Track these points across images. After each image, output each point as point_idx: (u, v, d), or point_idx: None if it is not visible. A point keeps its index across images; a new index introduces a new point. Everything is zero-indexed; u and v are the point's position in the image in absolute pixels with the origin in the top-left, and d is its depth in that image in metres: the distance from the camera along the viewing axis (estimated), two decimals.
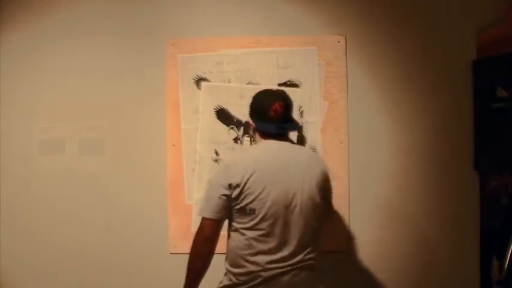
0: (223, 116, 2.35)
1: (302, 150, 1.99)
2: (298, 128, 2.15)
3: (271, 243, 1.71)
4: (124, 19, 2.38)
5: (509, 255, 2.51)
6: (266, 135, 1.84)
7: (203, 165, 2.34)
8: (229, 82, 2.35)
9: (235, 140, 2.34)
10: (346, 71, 2.33)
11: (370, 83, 2.34)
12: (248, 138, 2.34)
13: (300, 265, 1.73)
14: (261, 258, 1.71)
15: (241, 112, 2.33)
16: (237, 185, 1.71)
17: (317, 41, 2.34)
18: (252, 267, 1.71)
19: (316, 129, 2.33)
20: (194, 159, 2.34)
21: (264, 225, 1.71)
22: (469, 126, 2.32)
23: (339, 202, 2.31)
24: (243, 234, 1.73)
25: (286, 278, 1.71)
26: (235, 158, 1.86)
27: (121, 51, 2.38)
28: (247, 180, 1.71)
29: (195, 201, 2.31)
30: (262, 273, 1.70)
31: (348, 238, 2.31)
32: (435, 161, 2.33)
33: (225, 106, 2.35)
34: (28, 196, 2.38)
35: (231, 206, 1.74)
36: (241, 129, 2.34)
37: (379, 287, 2.31)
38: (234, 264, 1.74)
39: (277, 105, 1.82)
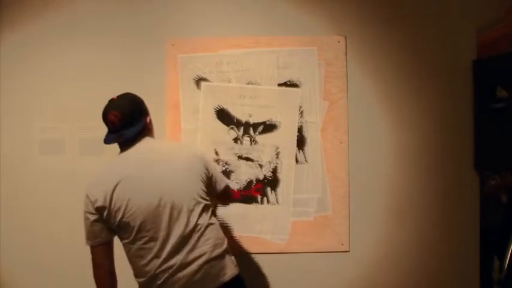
0: (223, 116, 2.35)
1: (163, 149, 1.87)
2: (147, 133, 1.88)
3: (157, 247, 1.72)
4: (124, 19, 2.38)
5: (509, 255, 2.51)
6: (120, 147, 1.86)
7: None
8: (229, 82, 2.35)
9: (235, 140, 2.34)
10: (346, 71, 2.33)
11: (370, 83, 2.34)
12: (248, 138, 2.34)
13: (191, 262, 1.72)
14: (155, 263, 1.72)
15: (241, 112, 2.33)
16: (103, 207, 1.72)
17: (317, 41, 2.34)
18: (151, 273, 1.72)
19: (316, 129, 2.33)
20: None
21: (143, 233, 1.72)
22: (469, 126, 2.32)
23: (339, 202, 2.31)
24: (130, 247, 1.77)
25: (183, 274, 1.70)
26: (94, 180, 1.81)
27: (121, 51, 2.38)
28: (111, 199, 1.71)
29: None
30: (161, 275, 1.71)
31: (348, 238, 2.31)
32: (435, 161, 2.33)
33: (225, 106, 2.35)
34: (28, 196, 2.38)
35: (109, 225, 1.75)
36: (241, 129, 2.34)
37: (379, 286, 2.31)
38: (139, 275, 1.77)
39: (110, 117, 1.80)
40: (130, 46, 2.38)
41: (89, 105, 2.38)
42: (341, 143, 2.33)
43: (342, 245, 2.32)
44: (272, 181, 2.33)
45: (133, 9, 2.38)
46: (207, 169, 1.86)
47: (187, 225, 1.73)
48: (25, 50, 2.40)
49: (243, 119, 2.34)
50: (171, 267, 1.70)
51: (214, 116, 2.35)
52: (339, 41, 2.34)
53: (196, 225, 1.75)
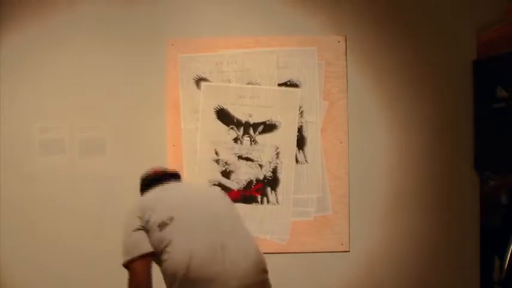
0: (223, 116, 2.35)
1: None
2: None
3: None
4: (124, 19, 2.38)
5: (509, 255, 2.51)
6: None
7: (203, 165, 2.34)
8: (229, 82, 2.35)
9: (235, 140, 2.34)
10: (346, 71, 2.33)
11: (370, 83, 2.34)
12: (248, 138, 2.34)
13: None
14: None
15: (241, 112, 2.33)
16: (148, 222, 1.63)
17: (317, 41, 2.34)
18: None
19: (316, 129, 2.33)
20: (194, 159, 2.34)
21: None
22: (469, 126, 2.32)
23: (339, 202, 2.31)
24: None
25: None
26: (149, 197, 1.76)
27: (121, 51, 2.38)
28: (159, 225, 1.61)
29: None
30: None
31: (348, 238, 2.31)
32: (435, 161, 2.33)
33: (225, 106, 2.35)
34: (28, 196, 2.38)
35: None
36: (241, 129, 2.34)
37: (379, 286, 2.31)
38: None
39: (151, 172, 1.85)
40: (130, 46, 2.37)
41: (89, 105, 2.38)
42: (341, 143, 2.33)
43: (342, 245, 2.31)
44: (272, 181, 2.33)
45: (133, 9, 2.38)
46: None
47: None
48: (25, 50, 2.40)
49: (243, 119, 2.34)
50: None
51: (214, 116, 2.35)
52: (339, 41, 2.34)
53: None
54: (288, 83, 2.35)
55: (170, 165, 2.33)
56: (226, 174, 2.33)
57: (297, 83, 2.34)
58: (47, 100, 2.39)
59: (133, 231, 1.65)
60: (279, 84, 2.35)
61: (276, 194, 2.32)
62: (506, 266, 2.53)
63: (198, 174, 2.33)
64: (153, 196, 1.72)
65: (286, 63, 2.34)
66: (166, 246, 1.58)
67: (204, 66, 2.35)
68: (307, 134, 2.33)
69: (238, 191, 2.33)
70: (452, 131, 2.33)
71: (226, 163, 2.34)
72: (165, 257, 1.57)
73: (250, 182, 2.33)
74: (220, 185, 2.32)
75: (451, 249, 2.31)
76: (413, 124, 2.34)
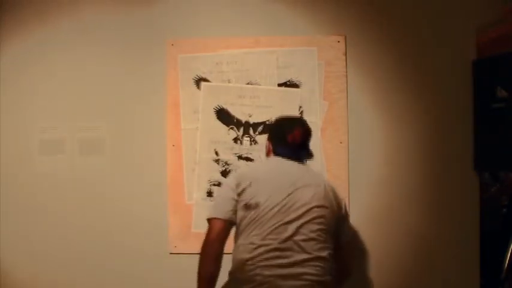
0: (223, 116, 2.35)
1: (311, 172, 1.94)
2: (310, 157, 2.03)
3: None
4: (124, 19, 2.38)
5: (509, 255, 2.51)
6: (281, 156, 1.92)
7: (203, 165, 2.34)
8: (229, 82, 2.35)
9: (235, 140, 2.34)
10: (346, 71, 2.33)
11: (370, 83, 2.34)
12: (248, 139, 2.34)
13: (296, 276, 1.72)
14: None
15: (241, 112, 2.33)
16: (244, 189, 1.79)
17: (317, 41, 2.34)
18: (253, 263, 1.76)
19: (316, 129, 2.33)
20: (194, 159, 2.34)
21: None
22: (469, 126, 2.32)
23: None
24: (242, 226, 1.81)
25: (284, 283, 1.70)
26: (246, 169, 2.00)
27: (121, 51, 2.38)
28: (252, 182, 1.79)
29: (195, 201, 2.32)
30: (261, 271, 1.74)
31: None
32: (435, 161, 2.33)
33: (225, 106, 2.35)
34: (28, 196, 2.38)
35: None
36: (241, 129, 2.34)
37: (379, 286, 2.31)
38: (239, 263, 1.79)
39: (296, 132, 1.91)
40: (130, 46, 2.38)
41: (89, 105, 2.39)
42: (341, 143, 2.33)
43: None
44: None
45: (133, 10, 2.38)
46: (327, 190, 1.85)
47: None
48: (26, 51, 2.41)
49: (243, 119, 2.34)
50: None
51: (214, 116, 2.35)
52: (338, 41, 2.34)
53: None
54: (288, 83, 2.35)
55: (170, 165, 2.34)
56: (226, 174, 2.33)
57: (297, 83, 2.34)
58: (47, 100, 2.39)
59: (225, 195, 1.83)
60: (279, 84, 2.35)
61: None
62: (506, 266, 2.53)
63: (198, 174, 2.33)
64: (253, 174, 1.86)
65: (286, 63, 2.34)
66: (242, 229, 1.76)
67: (204, 66, 2.36)
68: None
69: None
70: (452, 131, 2.33)
71: (226, 163, 2.34)
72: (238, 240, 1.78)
73: None
74: (220, 185, 2.32)
75: (451, 250, 2.31)
76: (413, 124, 2.33)
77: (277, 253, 1.69)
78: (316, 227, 1.74)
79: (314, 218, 1.75)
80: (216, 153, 2.34)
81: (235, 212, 1.79)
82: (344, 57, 2.33)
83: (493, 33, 2.31)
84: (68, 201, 2.37)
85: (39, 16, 2.41)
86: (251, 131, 2.34)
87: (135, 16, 2.38)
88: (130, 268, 2.34)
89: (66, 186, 2.37)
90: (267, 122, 2.33)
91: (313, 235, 1.73)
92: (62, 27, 2.40)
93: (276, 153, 1.93)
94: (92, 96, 2.38)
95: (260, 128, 2.33)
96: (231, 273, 1.78)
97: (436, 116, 2.33)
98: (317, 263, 1.71)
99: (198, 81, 2.36)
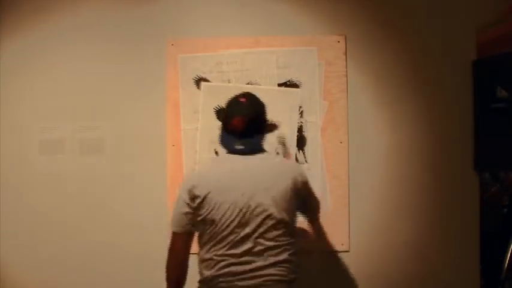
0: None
1: (273, 167, 1.83)
2: (261, 148, 1.86)
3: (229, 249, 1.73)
4: (124, 19, 2.38)
5: (509, 255, 2.51)
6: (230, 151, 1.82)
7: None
8: (229, 82, 2.35)
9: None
10: (346, 71, 2.33)
11: (370, 83, 2.34)
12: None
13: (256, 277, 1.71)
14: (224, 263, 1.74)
15: None
16: (197, 196, 1.73)
17: (317, 41, 2.34)
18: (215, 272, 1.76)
19: (316, 129, 2.33)
20: (194, 159, 2.34)
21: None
22: (469, 126, 2.32)
23: (338, 202, 2.31)
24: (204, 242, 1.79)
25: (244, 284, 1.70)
26: (198, 171, 1.89)
27: (121, 51, 2.38)
28: (205, 195, 1.71)
29: None
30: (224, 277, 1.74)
31: (348, 238, 2.31)
32: (435, 161, 2.33)
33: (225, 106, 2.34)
34: (28, 196, 2.38)
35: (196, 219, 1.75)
36: None
37: (379, 286, 2.31)
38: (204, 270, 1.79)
39: (235, 121, 1.77)
40: (130, 46, 2.38)
41: (89, 105, 2.38)
42: (341, 143, 2.33)
43: (342, 245, 2.31)
44: None
45: (133, 10, 2.38)
46: (296, 186, 1.78)
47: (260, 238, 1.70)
48: (26, 51, 2.40)
49: None
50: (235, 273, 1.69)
51: (214, 116, 2.35)
52: (338, 41, 2.34)
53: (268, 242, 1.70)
54: (288, 83, 2.35)
55: (170, 165, 2.34)
56: None
57: (297, 83, 2.34)
58: (47, 100, 2.39)
59: (179, 210, 1.77)
60: (279, 84, 2.35)
61: None
62: (506, 266, 2.53)
63: None
64: (207, 184, 1.74)
65: (286, 63, 2.34)
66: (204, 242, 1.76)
67: (204, 66, 2.35)
68: (307, 134, 2.33)
69: None
70: (452, 131, 2.33)
71: None
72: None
73: None
74: None
75: (451, 250, 2.31)
76: (412, 124, 2.34)
77: (237, 267, 1.68)
78: (275, 233, 1.70)
79: (273, 225, 1.70)
80: (216, 153, 2.34)
81: (193, 222, 1.76)
82: (344, 57, 2.33)
83: (493, 33, 2.32)
84: (67, 201, 2.37)
85: (40, 18, 2.41)
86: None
87: (135, 16, 2.38)
88: (131, 268, 2.34)
89: (66, 186, 2.37)
90: (267, 122, 2.32)
91: (271, 243, 1.70)
92: (63, 29, 2.39)
93: (223, 147, 1.84)
94: (92, 96, 2.38)
95: None
96: (200, 282, 1.79)
97: (436, 116, 2.33)
98: (278, 266, 1.70)
99: (198, 81, 2.36)
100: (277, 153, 2.29)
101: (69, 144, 2.38)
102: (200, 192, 1.72)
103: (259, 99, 1.87)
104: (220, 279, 1.69)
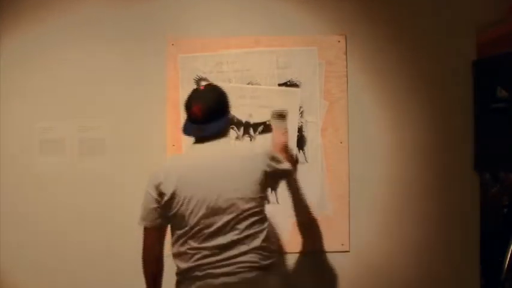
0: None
1: (239, 152, 1.87)
2: (224, 133, 1.87)
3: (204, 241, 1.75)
4: (124, 19, 2.38)
5: (509, 255, 2.51)
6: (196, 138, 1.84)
7: None
8: (229, 82, 2.35)
9: (236, 139, 2.34)
10: (346, 71, 2.33)
11: (370, 83, 2.34)
12: (248, 139, 2.34)
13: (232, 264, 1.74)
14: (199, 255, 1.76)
15: (241, 112, 2.33)
16: (164, 193, 1.74)
17: (317, 41, 2.34)
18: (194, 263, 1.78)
19: (317, 129, 2.33)
20: None
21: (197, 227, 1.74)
22: (469, 126, 2.32)
23: (339, 202, 2.31)
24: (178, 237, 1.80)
25: (221, 271, 1.72)
26: (164, 165, 1.87)
27: (121, 51, 2.38)
28: (174, 189, 1.72)
29: None
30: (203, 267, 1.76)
31: (348, 238, 2.31)
32: (435, 161, 2.33)
33: None
34: (28, 196, 2.37)
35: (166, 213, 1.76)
36: (242, 129, 2.34)
37: (379, 286, 2.31)
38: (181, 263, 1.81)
39: (194, 109, 1.78)
40: (130, 46, 2.37)
41: (89, 105, 2.38)
42: (341, 143, 2.33)
43: (342, 245, 2.31)
44: None
45: (133, 9, 2.38)
46: (266, 166, 1.78)
47: (236, 227, 1.71)
48: (25, 49, 2.40)
49: (243, 119, 2.34)
50: (213, 262, 1.70)
51: None
52: (339, 41, 2.34)
53: (244, 230, 1.72)
54: (288, 83, 2.35)
55: None
56: None
57: (297, 83, 2.34)
58: (47, 100, 2.39)
59: (148, 206, 1.80)
60: (279, 84, 2.35)
61: (276, 194, 2.32)
62: (506, 266, 2.53)
63: None
64: (173, 178, 1.74)
65: (286, 63, 2.34)
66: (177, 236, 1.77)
67: (204, 66, 2.35)
68: (307, 134, 2.33)
69: None
70: (452, 131, 2.33)
71: None
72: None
73: None
74: None
75: (451, 250, 2.31)
76: (413, 124, 2.34)
77: (211, 258, 1.70)
78: (246, 223, 1.72)
79: (243, 217, 1.72)
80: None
81: (163, 216, 1.77)
82: (344, 57, 2.33)
83: (493, 33, 2.32)
84: (68, 201, 2.36)
85: (40, 17, 2.40)
86: (251, 131, 2.33)
87: (136, 16, 2.37)
88: (131, 268, 2.33)
89: (66, 186, 2.37)
90: (267, 122, 2.32)
91: (243, 234, 1.71)
92: (63, 29, 2.38)
93: (186, 134, 1.85)
94: (92, 96, 2.38)
95: (260, 128, 2.33)
96: (177, 274, 1.81)
97: (436, 116, 2.34)
98: (251, 253, 1.72)
99: (198, 81, 2.36)
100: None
101: (69, 144, 2.38)
102: (167, 190, 1.73)
103: (220, 88, 1.90)
104: (196, 270, 1.72)
